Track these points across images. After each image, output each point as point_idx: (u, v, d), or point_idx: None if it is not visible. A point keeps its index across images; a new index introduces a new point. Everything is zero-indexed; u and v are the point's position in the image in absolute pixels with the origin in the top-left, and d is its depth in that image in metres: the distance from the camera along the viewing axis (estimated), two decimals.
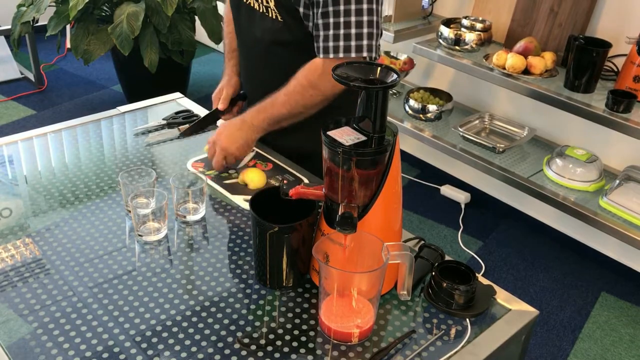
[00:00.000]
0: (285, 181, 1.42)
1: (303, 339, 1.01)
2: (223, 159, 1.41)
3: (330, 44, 1.32)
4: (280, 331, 1.03)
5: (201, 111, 1.73)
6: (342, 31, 1.30)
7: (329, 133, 1.00)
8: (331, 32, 1.31)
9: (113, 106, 1.77)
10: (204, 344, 0.99)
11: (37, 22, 3.31)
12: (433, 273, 1.11)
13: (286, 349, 0.99)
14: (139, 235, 1.22)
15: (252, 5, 1.41)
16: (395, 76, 0.98)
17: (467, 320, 1.08)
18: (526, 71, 2.30)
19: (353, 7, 1.28)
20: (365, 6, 1.29)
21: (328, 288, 1.01)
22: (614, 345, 2.23)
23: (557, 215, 2.62)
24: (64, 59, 4.28)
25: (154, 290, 1.10)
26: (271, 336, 1.02)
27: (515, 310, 1.11)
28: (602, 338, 2.26)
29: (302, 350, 0.99)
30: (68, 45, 4.20)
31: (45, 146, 1.55)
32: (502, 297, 1.13)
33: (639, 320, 2.35)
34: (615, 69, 2.28)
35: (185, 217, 1.28)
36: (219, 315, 1.05)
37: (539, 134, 2.63)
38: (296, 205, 1.09)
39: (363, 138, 1.00)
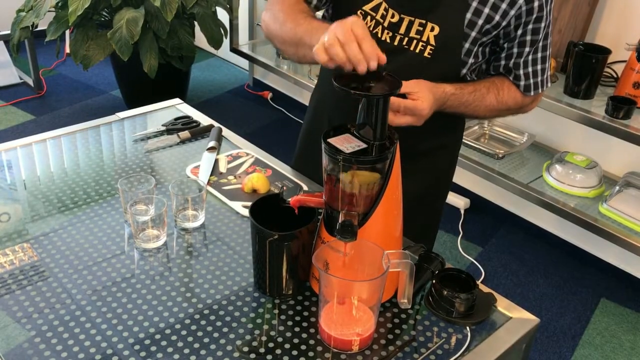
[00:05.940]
0: (284, 187, 1.41)
1: (303, 347, 1.01)
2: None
3: (538, 79, 1.32)
4: (279, 339, 1.02)
5: (200, 117, 1.72)
6: (539, 66, 1.31)
7: (330, 140, 1.00)
8: (539, 66, 1.31)
9: (112, 111, 1.76)
10: (202, 352, 0.99)
11: (36, 27, 3.30)
12: (434, 281, 1.10)
13: (286, 358, 0.99)
14: (138, 242, 1.21)
15: (378, 35, 1.27)
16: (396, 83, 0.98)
17: (468, 328, 1.07)
18: None
19: (549, 41, 1.30)
20: (550, 40, 1.31)
21: (328, 296, 1.00)
22: (614, 352, 2.22)
23: (557, 221, 2.62)
24: (63, 64, 4.27)
25: (152, 297, 1.09)
26: (270, 344, 1.01)
27: (515, 319, 1.10)
28: (603, 345, 2.25)
29: (302, 359, 0.99)
30: (67, 50, 4.20)
31: (44, 152, 1.54)
32: (503, 305, 1.13)
33: (639, 326, 2.34)
34: (615, 75, 2.28)
35: (184, 224, 1.28)
36: (218, 323, 1.05)
37: (538, 139, 2.63)
38: (296, 213, 1.09)
39: (364, 146, 0.99)
